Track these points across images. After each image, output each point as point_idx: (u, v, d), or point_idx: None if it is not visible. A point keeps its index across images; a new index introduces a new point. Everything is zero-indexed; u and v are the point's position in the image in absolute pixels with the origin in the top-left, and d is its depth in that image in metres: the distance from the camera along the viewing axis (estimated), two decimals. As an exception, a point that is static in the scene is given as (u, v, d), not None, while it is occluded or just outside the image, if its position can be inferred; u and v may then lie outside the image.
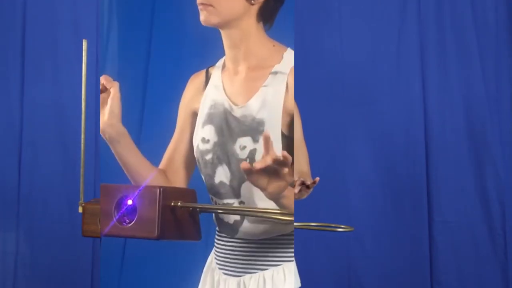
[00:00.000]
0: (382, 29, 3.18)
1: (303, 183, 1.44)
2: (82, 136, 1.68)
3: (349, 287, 3.14)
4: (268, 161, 1.27)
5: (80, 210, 1.62)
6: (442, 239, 3.11)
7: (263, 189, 1.34)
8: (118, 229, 1.38)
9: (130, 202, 1.37)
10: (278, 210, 1.40)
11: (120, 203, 1.39)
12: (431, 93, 3.15)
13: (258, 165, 1.28)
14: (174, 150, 1.75)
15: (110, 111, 1.54)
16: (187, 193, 1.47)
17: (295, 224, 1.49)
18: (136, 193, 1.37)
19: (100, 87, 1.55)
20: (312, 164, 1.91)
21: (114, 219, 1.38)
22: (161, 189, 1.37)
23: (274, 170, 1.29)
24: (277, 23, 1.67)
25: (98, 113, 3.08)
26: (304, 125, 1.87)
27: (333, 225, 1.49)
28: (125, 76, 2.61)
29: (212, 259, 1.77)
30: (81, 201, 1.63)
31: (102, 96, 1.55)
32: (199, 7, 1.56)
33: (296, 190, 1.44)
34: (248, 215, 1.54)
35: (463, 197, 3.13)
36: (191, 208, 1.44)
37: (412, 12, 3.16)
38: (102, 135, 1.57)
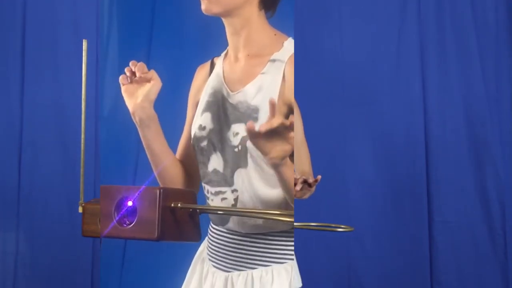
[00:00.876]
0: (382, 29, 3.18)
1: (305, 181, 1.44)
2: (82, 136, 1.69)
3: (349, 287, 3.14)
4: (274, 124, 1.26)
5: (80, 210, 1.62)
6: (442, 239, 3.11)
7: (266, 154, 1.33)
8: (118, 230, 1.38)
9: (130, 203, 1.37)
10: (278, 211, 1.40)
11: (120, 204, 1.39)
12: (431, 93, 3.15)
13: (263, 127, 1.27)
14: (186, 142, 1.75)
15: (145, 95, 1.55)
16: (186, 194, 1.47)
17: (295, 224, 1.49)
18: (136, 194, 1.36)
19: (127, 71, 1.56)
20: (312, 164, 1.91)
21: (114, 221, 1.38)
22: (161, 190, 1.37)
23: (278, 134, 1.28)
24: (276, 15, 1.66)
25: (98, 113, 3.08)
26: (304, 125, 1.87)
27: (333, 225, 1.49)
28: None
29: (204, 248, 1.77)
30: (81, 201, 1.63)
31: (135, 80, 1.56)
32: None
33: (298, 187, 1.44)
34: (248, 216, 1.54)
35: (463, 197, 3.13)
36: (191, 209, 1.44)
37: (412, 12, 3.16)
38: (132, 117, 1.58)
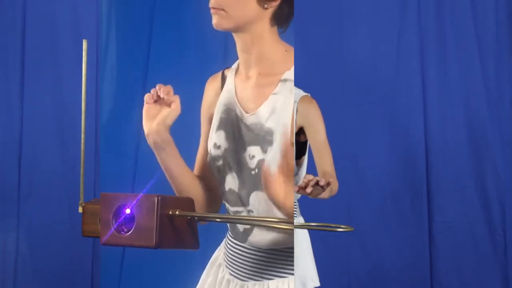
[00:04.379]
0: (382, 29, 3.18)
1: (317, 183, 1.47)
2: (82, 136, 1.69)
3: (349, 287, 3.15)
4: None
5: (80, 210, 1.62)
6: (442, 239, 3.12)
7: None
8: (116, 238, 1.38)
9: (128, 211, 1.37)
10: (277, 219, 1.40)
11: (118, 212, 1.39)
12: (431, 93, 3.15)
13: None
14: (203, 157, 1.73)
15: (162, 119, 1.55)
16: (185, 202, 1.46)
17: (295, 224, 1.49)
18: (134, 202, 1.36)
19: (153, 92, 1.55)
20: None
21: (112, 228, 1.37)
22: (159, 198, 1.37)
23: None
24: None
25: (98, 113, 3.09)
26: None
27: (333, 225, 1.49)
28: (125, 76, 2.61)
29: (219, 254, 1.78)
30: (81, 201, 1.63)
31: (157, 102, 1.55)
32: (211, 11, 1.54)
33: (309, 190, 1.46)
34: (248, 224, 1.54)
35: (463, 197, 3.13)
36: (189, 217, 1.44)
37: (412, 12, 3.15)
38: (146, 139, 1.57)
